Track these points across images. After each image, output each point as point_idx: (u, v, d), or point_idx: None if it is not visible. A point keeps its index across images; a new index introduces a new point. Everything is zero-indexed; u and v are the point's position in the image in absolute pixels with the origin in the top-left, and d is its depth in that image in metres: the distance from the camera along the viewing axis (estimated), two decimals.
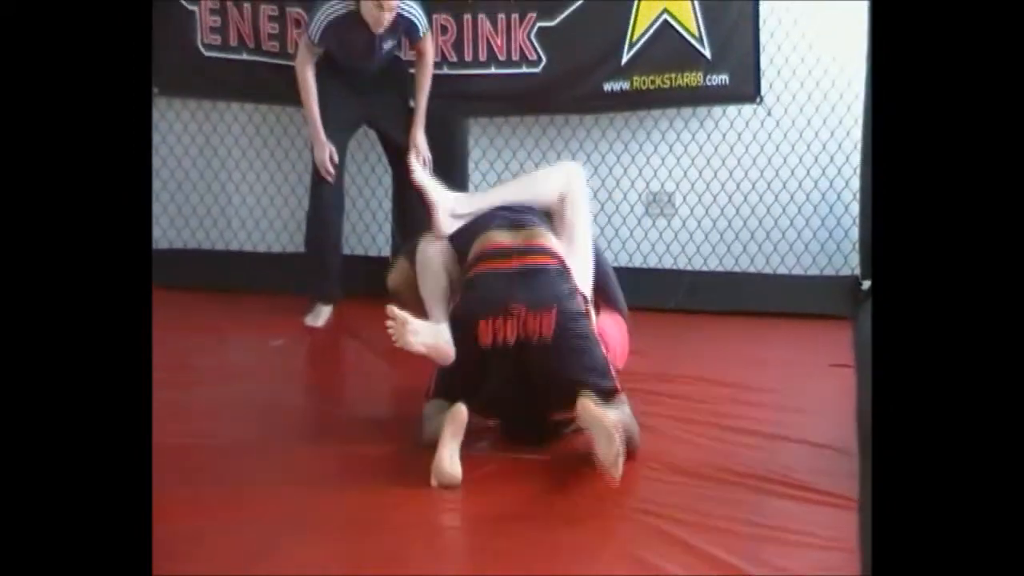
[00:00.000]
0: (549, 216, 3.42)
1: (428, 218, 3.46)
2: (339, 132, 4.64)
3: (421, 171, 3.58)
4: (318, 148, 4.58)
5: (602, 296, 3.53)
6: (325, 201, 4.68)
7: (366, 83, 4.61)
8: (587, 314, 3.23)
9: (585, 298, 3.27)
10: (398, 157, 4.74)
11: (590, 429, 3.00)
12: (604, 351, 3.22)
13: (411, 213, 4.82)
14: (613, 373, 3.21)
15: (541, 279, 3.16)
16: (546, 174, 3.58)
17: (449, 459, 3.03)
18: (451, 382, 3.22)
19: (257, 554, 2.68)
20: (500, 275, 3.17)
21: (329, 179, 4.61)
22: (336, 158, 4.60)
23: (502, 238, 3.26)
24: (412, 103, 4.69)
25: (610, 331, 3.45)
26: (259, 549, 2.70)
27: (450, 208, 3.40)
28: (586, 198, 3.52)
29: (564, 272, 3.21)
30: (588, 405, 3.02)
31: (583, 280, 3.32)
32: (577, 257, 3.33)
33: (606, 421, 2.95)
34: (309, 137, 4.62)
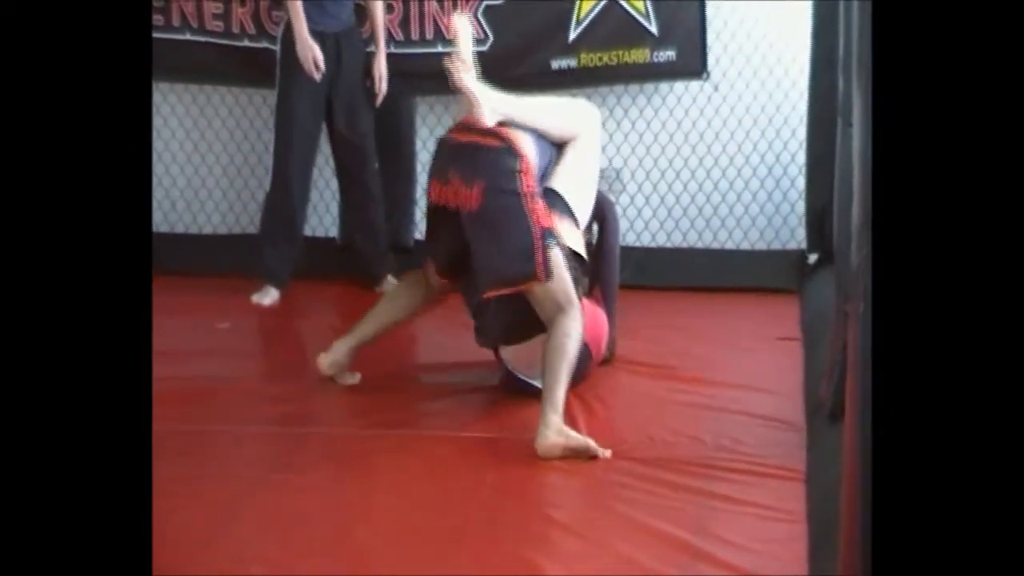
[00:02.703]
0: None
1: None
2: (310, 124, 4.63)
3: (461, 73, 3.58)
4: (304, 47, 4.53)
5: (599, 283, 3.58)
6: (290, 183, 4.65)
7: (330, 59, 4.58)
8: (525, 195, 3.29)
9: (532, 185, 3.32)
10: (350, 137, 4.71)
11: None
12: (536, 231, 3.26)
13: (357, 196, 4.81)
14: (539, 257, 3.24)
15: (481, 155, 3.33)
16: (575, 113, 3.70)
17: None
18: (426, 235, 3.60)
19: (204, 540, 2.66)
20: (452, 144, 3.44)
21: (316, 78, 4.55)
22: (321, 63, 4.55)
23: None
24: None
25: (590, 325, 3.47)
26: (207, 535, 2.68)
27: (492, 105, 3.46)
28: (597, 145, 3.75)
29: (508, 153, 3.32)
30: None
31: (581, 207, 3.52)
32: (571, 182, 3.53)
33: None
34: (297, 37, 4.51)
